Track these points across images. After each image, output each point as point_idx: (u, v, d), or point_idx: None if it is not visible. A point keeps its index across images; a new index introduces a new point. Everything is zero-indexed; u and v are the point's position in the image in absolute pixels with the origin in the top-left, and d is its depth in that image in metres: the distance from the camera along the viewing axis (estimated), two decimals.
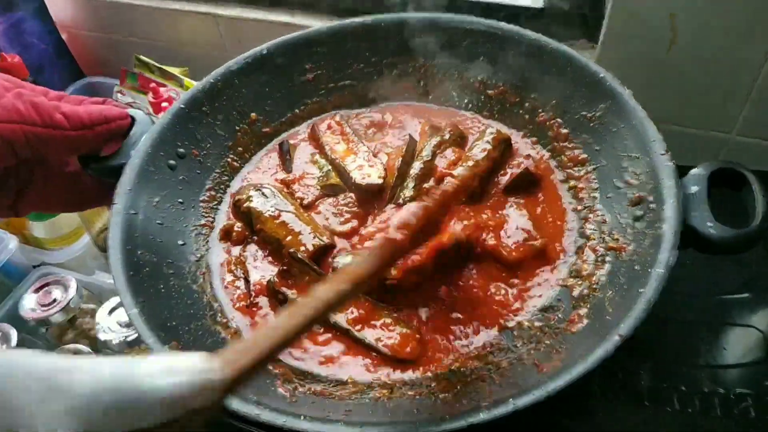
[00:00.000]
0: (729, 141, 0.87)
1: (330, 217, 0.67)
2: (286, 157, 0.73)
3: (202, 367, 0.32)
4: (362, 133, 0.77)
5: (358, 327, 0.56)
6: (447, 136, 0.73)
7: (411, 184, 0.68)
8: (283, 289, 0.59)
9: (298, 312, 0.39)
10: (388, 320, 0.56)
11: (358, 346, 0.56)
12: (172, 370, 0.31)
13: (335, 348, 0.56)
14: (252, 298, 0.60)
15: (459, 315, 0.57)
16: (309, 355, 0.56)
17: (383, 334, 0.56)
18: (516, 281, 0.59)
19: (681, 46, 0.78)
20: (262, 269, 0.63)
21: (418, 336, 0.55)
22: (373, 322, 0.56)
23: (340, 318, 0.57)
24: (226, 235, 0.67)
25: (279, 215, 0.64)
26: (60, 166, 0.62)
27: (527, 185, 0.67)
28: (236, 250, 0.65)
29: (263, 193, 0.67)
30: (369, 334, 0.56)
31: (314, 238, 0.62)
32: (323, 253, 0.62)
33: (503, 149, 0.69)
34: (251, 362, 0.35)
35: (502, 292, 0.59)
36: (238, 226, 0.67)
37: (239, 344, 0.38)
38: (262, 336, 0.37)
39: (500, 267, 0.60)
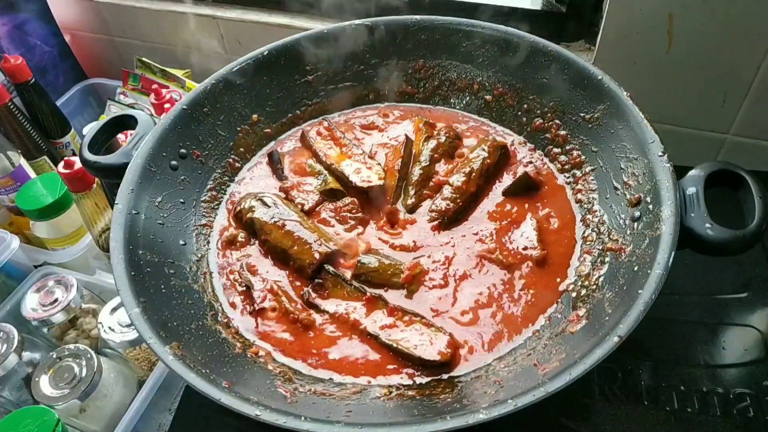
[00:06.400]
0: (727, 141, 0.87)
1: (335, 224, 0.67)
2: (277, 166, 0.74)
3: None
4: (356, 135, 0.77)
5: (388, 333, 0.56)
6: (443, 139, 0.73)
7: (412, 191, 0.69)
8: (318, 300, 0.59)
9: None
10: (419, 326, 0.56)
11: (382, 352, 0.55)
12: None
13: (355, 351, 0.56)
14: (255, 305, 0.60)
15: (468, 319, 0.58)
16: (320, 359, 0.56)
17: (416, 338, 0.55)
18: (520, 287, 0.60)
19: (679, 47, 0.79)
20: (267, 275, 0.63)
21: (449, 339, 0.55)
22: (404, 328, 0.56)
23: (371, 325, 0.57)
24: (230, 244, 0.67)
25: (284, 225, 0.64)
26: None
27: (527, 189, 0.68)
28: (239, 259, 0.65)
29: (264, 203, 0.66)
30: (400, 339, 0.55)
31: (321, 245, 0.62)
32: (331, 260, 0.62)
33: (499, 156, 0.70)
34: None
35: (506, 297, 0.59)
36: (241, 236, 0.67)
37: None
38: None
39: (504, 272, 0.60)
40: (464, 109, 0.79)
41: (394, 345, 0.55)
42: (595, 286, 0.56)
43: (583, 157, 0.67)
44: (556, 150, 0.70)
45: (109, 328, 0.74)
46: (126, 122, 0.70)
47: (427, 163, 0.71)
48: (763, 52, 0.76)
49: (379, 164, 0.71)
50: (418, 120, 0.76)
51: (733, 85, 0.80)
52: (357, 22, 0.78)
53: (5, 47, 1.09)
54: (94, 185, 0.80)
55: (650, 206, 0.55)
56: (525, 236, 0.63)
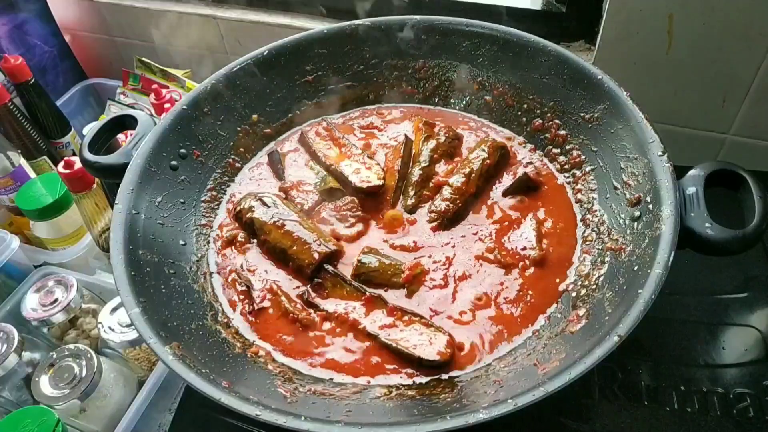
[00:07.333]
0: (727, 141, 0.87)
1: (335, 222, 0.67)
2: (277, 166, 0.74)
3: None
4: (356, 135, 0.77)
5: (387, 333, 0.56)
6: (443, 139, 0.73)
7: (412, 192, 0.69)
8: (317, 300, 0.59)
9: None
10: (418, 326, 0.56)
11: (382, 352, 0.55)
12: None
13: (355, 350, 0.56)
14: (255, 305, 0.60)
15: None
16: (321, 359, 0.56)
17: (415, 338, 0.55)
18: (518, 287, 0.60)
19: (679, 47, 0.79)
20: (266, 275, 0.63)
21: (449, 339, 0.55)
22: (403, 328, 0.56)
23: (370, 325, 0.57)
24: (230, 243, 0.67)
25: (283, 225, 0.64)
26: None
27: (527, 190, 0.68)
28: (239, 259, 0.65)
29: (264, 203, 0.66)
30: (400, 339, 0.55)
31: (320, 245, 0.62)
32: (330, 260, 0.62)
33: (499, 156, 0.70)
34: None
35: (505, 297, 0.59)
36: (241, 236, 0.67)
37: None
38: None
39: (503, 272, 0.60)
40: (464, 109, 0.79)
41: (394, 345, 0.55)
42: (594, 286, 0.56)
43: (582, 156, 0.67)
44: (555, 150, 0.70)
45: (109, 328, 0.74)
46: (126, 122, 0.70)
47: (427, 163, 0.71)
48: (763, 52, 0.76)
49: (378, 164, 0.71)
50: (418, 120, 0.76)
51: (733, 85, 0.80)
52: (357, 22, 0.78)
53: (5, 47, 1.09)
54: (94, 185, 0.80)
55: (650, 206, 0.55)
56: (524, 236, 0.63)
